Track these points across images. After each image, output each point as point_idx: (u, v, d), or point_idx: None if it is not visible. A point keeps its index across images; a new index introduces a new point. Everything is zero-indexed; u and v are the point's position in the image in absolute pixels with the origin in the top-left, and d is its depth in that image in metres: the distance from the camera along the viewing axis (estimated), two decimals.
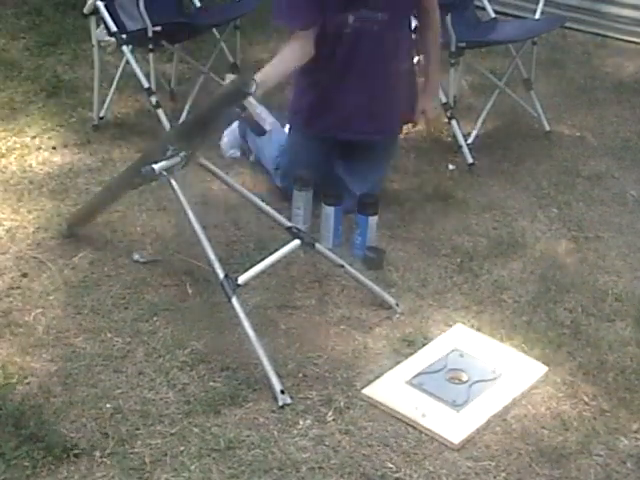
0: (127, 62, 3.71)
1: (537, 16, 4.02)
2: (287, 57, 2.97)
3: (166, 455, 2.10)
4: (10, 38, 4.75)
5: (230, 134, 3.58)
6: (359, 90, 3.05)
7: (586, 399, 2.35)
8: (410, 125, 3.38)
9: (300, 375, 2.39)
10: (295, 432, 2.19)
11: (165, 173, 2.47)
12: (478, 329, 2.62)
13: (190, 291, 2.74)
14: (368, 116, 3.09)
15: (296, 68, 3.01)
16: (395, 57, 3.07)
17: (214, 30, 4.03)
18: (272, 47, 4.89)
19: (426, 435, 2.20)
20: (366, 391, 2.33)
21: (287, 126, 3.30)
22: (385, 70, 3.05)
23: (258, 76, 2.78)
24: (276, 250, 2.57)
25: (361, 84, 3.04)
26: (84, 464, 2.06)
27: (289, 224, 2.67)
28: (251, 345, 2.32)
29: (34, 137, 3.71)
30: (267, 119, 2.66)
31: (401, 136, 3.41)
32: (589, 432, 2.24)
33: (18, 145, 3.63)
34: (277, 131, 3.19)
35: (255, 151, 3.47)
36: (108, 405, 2.25)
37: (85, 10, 3.66)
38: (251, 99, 2.60)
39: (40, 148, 3.62)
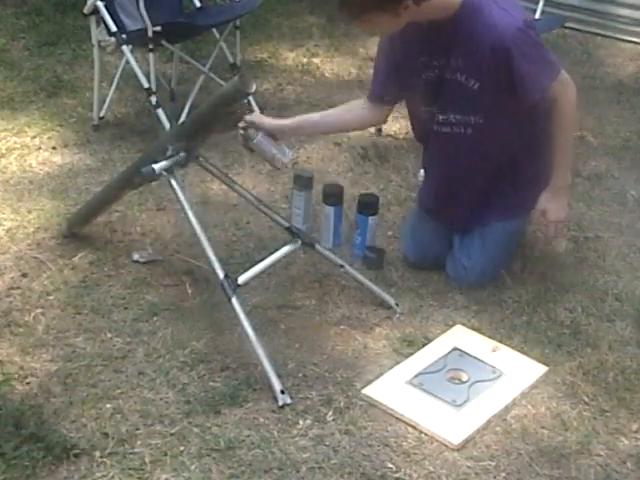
0: (127, 62, 3.71)
1: (537, 16, 4.02)
2: (345, 109, 2.87)
3: (166, 455, 2.10)
4: (10, 38, 4.76)
5: None
6: (457, 193, 2.82)
7: (586, 399, 2.35)
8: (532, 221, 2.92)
9: (300, 375, 2.39)
10: (295, 432, 2.19)
11: (165, 173, 2.47)
12: (478, 329, 2.62)
13: (190, 291, 2.74)
14: (474, 214, 2.83)
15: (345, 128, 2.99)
16: (496, 157, 2.73)
17: (214, 30, 4.03)
18: (272, 47, 4.91)
19: (426, 435, 2.20)
20: (366, 391, 2.33)
21: None
22: (483, 171, 2.76)
23: (297, 118, 2.79)
24: (276, 250, 2.57)
25: (456, 186, 2.81)
26: (84, 464, 2.06)
27: (288, 224, 2.66)
28: (251, 345, 2.32)
29: (34, 137, 3.71)
30: (281, 157, 2.64)
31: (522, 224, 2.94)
32: (589, 432, 2.24)
33: (18, 145, 3.63)
34: None
35: None
36: (108, 405, 2.25)
37: (85, 10, 3.66)
38: (259, 138, 2.59)
39: (40, 148, 3.62)
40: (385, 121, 3.08)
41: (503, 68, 2.51)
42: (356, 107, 2.87)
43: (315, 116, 2.92)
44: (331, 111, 2.89)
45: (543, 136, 2.70)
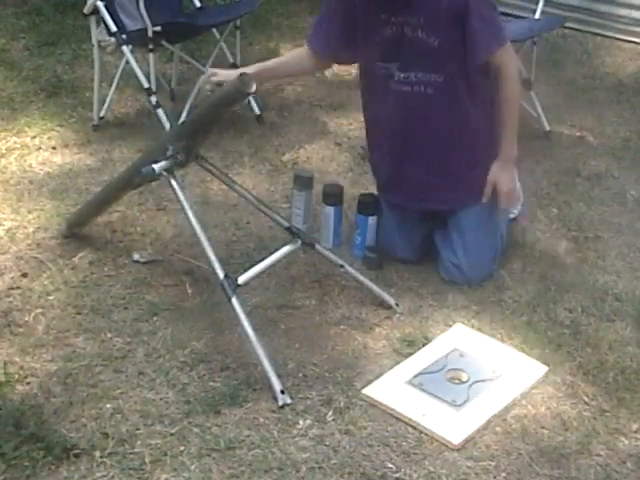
0: (127, 62, 3.71)
1: (537, 16, 4.02)
2: (287, 58, 3.05)
3: (166, 455, 2.10)
4: (10, 38, 4.76)
5: None
6: (412, 157, 2.81)
7: (586, 399, 2.35)
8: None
9: (300, 375, 2.39)
10: (295, 432, 2.19)
11: (165, 173, 2.47)
12: (478, 329, 2.62)
13: (190, 291, 2.74)
14: (429, 186, 2.83)
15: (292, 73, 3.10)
16: (453, 122, 2.75)
17: (214, 30, 4.03)
18: (272, 47, 4.91)
19: (426, 435, 2.20)
20: (366, 391, 2.33)
21: None
22: (439, 136, 2.76)
23: (256, 66, 2.91)
24: (276, 250, 2.57)
25: (412, 150, 2.80)
26: (84, 464, 2.06)
27: (288, 224, 2.66)
28: (251, 345, 2.32)
29: (34, 137, 3.71)
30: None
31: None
32: (589, 432, 2.24)
33: (18, 145, 3.64)
34: None
35: None
36: (108, 405, 2.25)
37: (85, 10, 3.66)
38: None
39: (40, 148, 3.62)
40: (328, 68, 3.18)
41: (460, 23, 2.59)
42: (302, 57, 2.97)
43: (269, 64, 3.02)
44: (284, 59, 3.12)
45: (494, 116, 2.75)
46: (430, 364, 2.44)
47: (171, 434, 2.16)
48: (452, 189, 2.83)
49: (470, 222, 2.83)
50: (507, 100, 2.73)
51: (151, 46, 3.62)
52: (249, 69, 2.82)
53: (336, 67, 4.68)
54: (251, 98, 3.84)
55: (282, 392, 2.27)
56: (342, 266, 2.67)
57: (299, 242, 2.58)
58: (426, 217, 2.92)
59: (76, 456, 2.07)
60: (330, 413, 2.26)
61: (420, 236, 2.93)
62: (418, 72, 2.68)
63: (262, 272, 2.54)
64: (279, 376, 2.30)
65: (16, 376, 2.32)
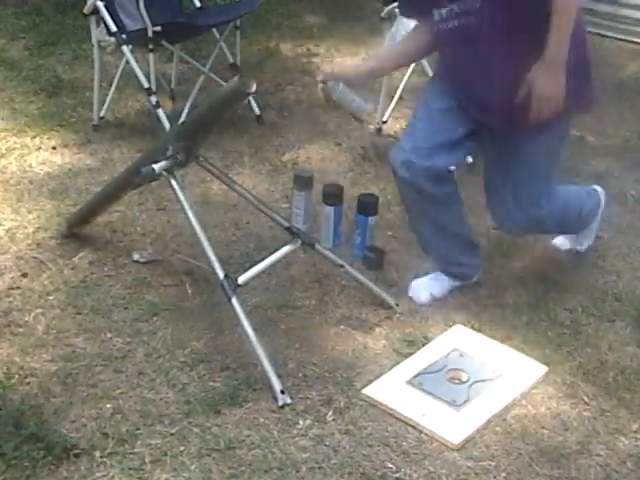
0: (127, 62, 3.72)
1: None
2: (402, 44, 2.79)
3: (166, 455, 2.10)
4: (10, 38, 4.76)
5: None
6: (475, 81, 2.57)
7: (586, 399, 2.35)
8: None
9: (300, 375, 2.39)
10: (295, 432, 2.19)
11: (165, 173, 2.47)
12: (478, 329, 2.62)
13: (190, 291, 2.74)
14: (483, 106, 2.58)
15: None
16: (501, 43, 2.49)
17: (214, 30, 4.03)
18: (272, 47, 4.91)
19: (426, 435, 2.20)
20: (366, 391, 2.33)
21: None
22: (495, 65, 2.51)
23: (372, 61, 2.67)
24: (276, 250, 2.57)
25: (473, 75, 2.57)
26: (84, 464, 2.06)
27: (288, 224, 2.66)
28: (251, 345, 2.32)
29: (34, 137, 3.71)
30: (364, 106, 2.56)
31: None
32: (589, 432, 2.24)
33: (18, 145, 3.64)
34: None
35: None
36: (108, 405, 2.25)
37: (85, 10, 3.66)
38: (341, 89, 2.51)
39: (40, 148, 3.63)
40: None
41: None
42: (417, 33, 2.70)
43: (387, 50, 2.79)
44: (400, 46, 2.80)
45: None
46: (430, 364, 2.44)
47: (171, 434, 2.16)
48: (507, 108, 2.54)
49: (515, 161, 2.62)
50: (560, 11, 2.41)
51: (151, 46, 3.62)
52: (368, 63, 2.65)
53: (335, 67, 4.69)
54: (251, 98, 3.84)
55: (282, 392, 2.27)
56: (342, 266, 2.67)
57: (299, 242, 2.58)
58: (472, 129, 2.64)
59: (76, 456, 2.07)
60: (330, 413, 2.26)
61: (455, 140, 2.63)
62: (454, 3, 2.45)
63: (262, 272, 2.54)
64: (279, 376, 2.30)
65: (16, 376, 2.32)
